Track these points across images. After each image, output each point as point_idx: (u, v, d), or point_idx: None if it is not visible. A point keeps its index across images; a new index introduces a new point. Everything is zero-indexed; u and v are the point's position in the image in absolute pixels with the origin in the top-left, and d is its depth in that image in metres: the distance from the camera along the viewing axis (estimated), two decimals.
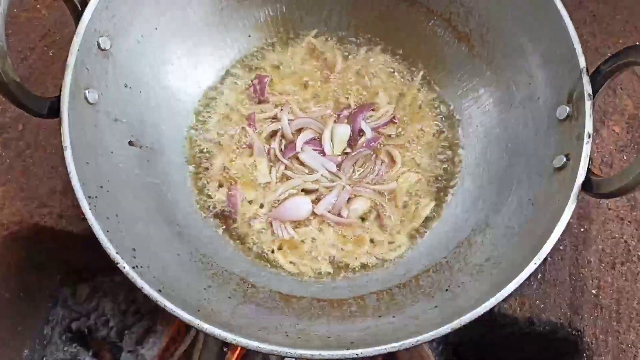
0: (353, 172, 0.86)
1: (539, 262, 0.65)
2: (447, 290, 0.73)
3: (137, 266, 0.66)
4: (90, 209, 0.66)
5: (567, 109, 0.73)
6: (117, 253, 0.65)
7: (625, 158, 0.89)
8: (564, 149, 0.72)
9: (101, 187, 0.71)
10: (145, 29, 0.82)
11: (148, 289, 0.64)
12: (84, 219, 0.73)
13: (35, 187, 0.85)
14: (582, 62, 0.72)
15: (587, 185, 0.68)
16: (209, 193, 0.85)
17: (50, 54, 0.93)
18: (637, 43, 0.96)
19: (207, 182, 0.86)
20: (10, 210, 0.84)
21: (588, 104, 0.70)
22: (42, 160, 0.86)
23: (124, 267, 0.65)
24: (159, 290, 0.64)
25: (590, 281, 0.82)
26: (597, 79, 0.71)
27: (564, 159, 0.71)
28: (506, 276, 0.66)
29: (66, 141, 0.68)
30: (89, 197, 0.67)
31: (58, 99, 0.71)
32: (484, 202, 0.81)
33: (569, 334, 0.80)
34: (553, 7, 0.75)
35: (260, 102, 0.91)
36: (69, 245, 0.89)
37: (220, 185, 0.86)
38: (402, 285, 0.77)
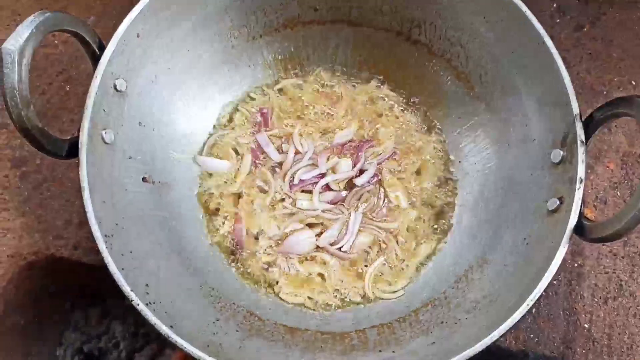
0: (357, 207, 0.90)
1: (531, 304, 0.68)
2: (444, 324, 0.76)
3: (150, 302, 0.70)
4: (106, 248, 0.70)
5: (561, 152, 0.76)
6: (131, 290, 0.69)
7: (619, 194, 0.93)
8: (558, 192, 0.75)
9: (117, 224, 0.75)
10: (158, 70, 0.86)
11: (160, 326, 0.68)
12: (98, 252, 0.78)
13: (52, 219, 0.89)
14: (575, 108, 0.75)
15: (579, 230, 0.71)
16: (217, 227, 0.89)
17: (67, 89, 0.98)
18: (627, 95, 1.00)
19: (216, 216, 0.90)
20: (28, 241, 0.88)
21: (581, 149, 0.73)
22: (58, 193, 0.90)
23: (138, 304, 0.68)
24: (171, 327, 0.68)
25: (583, 315, 0.85)
26: (591, 124, 0.75)
27: (557, 202, 0.74)
28: (501, 315, 0.70)
29: (84, 182, 0.71)
30: (105, 235, 0.71)
31: (76, 140, 0.74)
32: (481, 239, 0.85)
33: None
34: (547, 51, 0.78)
35: None
36: (82, 273, 0.92)
37: (227, 220, 0.89)
38: (402, 319, 0.81)
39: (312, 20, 0.95)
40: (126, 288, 0.69)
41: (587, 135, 0.74)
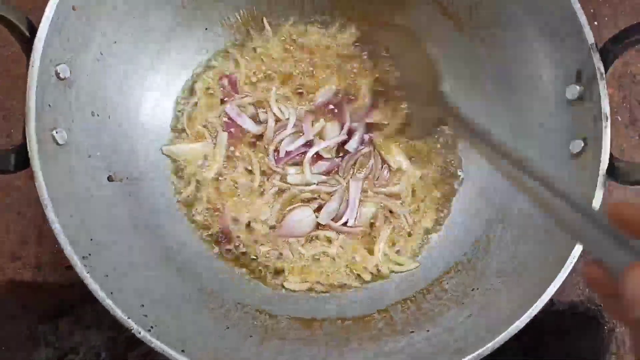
0: (354, 174, 0.81)
1: (576, 257, 0.63)
2: (474, 291, 0.71)
3: (152, 327, 0.59)
4: (88, 272, 0.58)
5: (578, 88, 0.69)
6: (128, 318, 0.58)
7: (619, 119, 0.88)
8: (579, 132, 0.69)
9: (91, 239, 0.63)
10: (104, 45, 0.71)
11: (170, 353, 0.58)
12: (66, 269, 0.66)
13: (2, 239, 0.75)
14: (590, 37, 0.68)
15: (611, 172, 0.65)
16: (199, 219, 0.78)
17: None
18: None
19: (196, 207, 0.78)
20: None
21: (602, 83, 0.67)
22: (5, 206, 0.76)
23: (140, 332, 0.58)
24: (182, 351, 0.59)
25: None
26: (606, 56, 0.68)
27: (582, 144, 0.68)
28: (542, 274, 0.64)
29: (45, 199, 0.59)
30: (83, 257, 0.59)
31: (20, 148, 0.61)
32: (494, 190, 0.78)
33: (589, 310, 0.80)
34: None
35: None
36: (50, 292, 0.80)
37: (209, 211, 0.79)
38: (426, 290, 0.74)
39: None
40: (122, 316, 0.58)
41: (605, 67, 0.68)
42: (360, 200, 0.79)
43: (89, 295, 0.59)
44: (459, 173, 0.83)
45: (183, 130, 0.81)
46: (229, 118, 0.82)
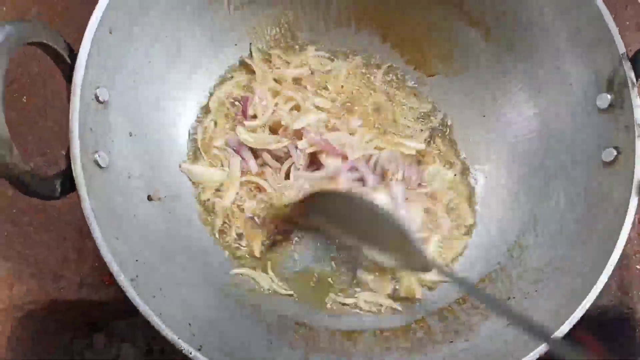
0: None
1: (613, 266, 0.64)
2: (511, 299, 0.72)
3: (201, 347, 0.60)
4: (138, 295, 0.59)
5: (609, 97, 0.70)
6: (179, 338, 0.59)
7: None
8: (612, 140, 0.69)
9: (137, 261, 0.64)
10: (138, 66, 0.72)
11: None
12: (109, 285, 0.67)
13: (45, 259, 0.76)
14: (620, 46, 0.69)
15: None
16: (230, 241, 0.79)
17: (24, 101, 0.82)
18: None
19: (226, 234, 0.79)
20: (21, 288, 0.75)
21: (633, 92, 0.68)
22: (45, 226, 0.77)
23: (191, 353, 0.59)
24: None
25: (634, 256, 0.82)
26: (638, 65, 0.68)
27: (614, 152, 0.69)
28: (577, 283, 0.65)
29: (93, 224, 0.59)
30: (131, 279, 0.60)
31: (65, 175, 0.61)
32: (525, 197, 0.79)
33: (622, 313, 0.81)
34: None
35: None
36: (90, 308, 0.81)
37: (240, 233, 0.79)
38: (462, 300, 0.75)
39: None
40: (173, 338, 0.59)
41: (637, 76, 0.69)
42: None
43: (125, 311, 0.59)
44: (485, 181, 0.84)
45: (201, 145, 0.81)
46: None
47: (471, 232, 0.82)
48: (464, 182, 0.84)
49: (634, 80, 0.68)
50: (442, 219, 0.80)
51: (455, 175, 0.84)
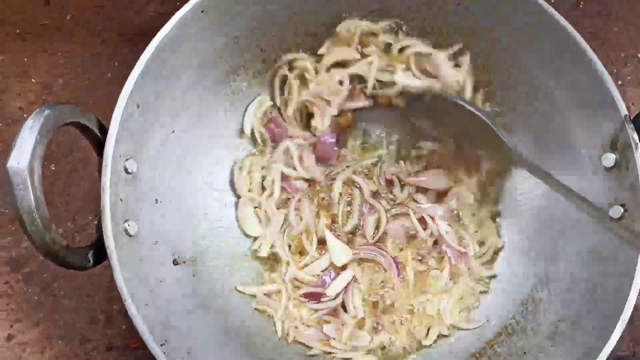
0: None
1: (626, 320, 0.66)
2: (527, 354, 0.73)
3: None
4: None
5: (614, 156, 0.72)
6: None
7: None
8: (618, 198, 0.72)
9: (166, 325, 0.66)
10: (163, 136, 0.76)
11: None
12: (137, 348, 0.69)
13: (72, 321, 0.79)
14: (623, 109, 0.71)
15: None
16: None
17: (52, 169, 0.86)
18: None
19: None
20: (52, 352, 0.77)
21: (637, 152, 0.70)
22: (73, 290, 0.80)
23: None
24: None
25: None
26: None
27: (622, 210, 0.71)
28: (591, 337, 0.67)
29: (125, 293, 0.62)
30: (161, 345, 0.63)
31: (97, 245, 0.65)
32: (536, 253, 0.82)
33: None
34: (576, 47, 0.73)
35: None
36: None
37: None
38: (479, 354, 0.77)
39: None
40: None
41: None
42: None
43: None
44: (502, 237, 0.87)
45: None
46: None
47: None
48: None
49: (637, 141, 0.71)
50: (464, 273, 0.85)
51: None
